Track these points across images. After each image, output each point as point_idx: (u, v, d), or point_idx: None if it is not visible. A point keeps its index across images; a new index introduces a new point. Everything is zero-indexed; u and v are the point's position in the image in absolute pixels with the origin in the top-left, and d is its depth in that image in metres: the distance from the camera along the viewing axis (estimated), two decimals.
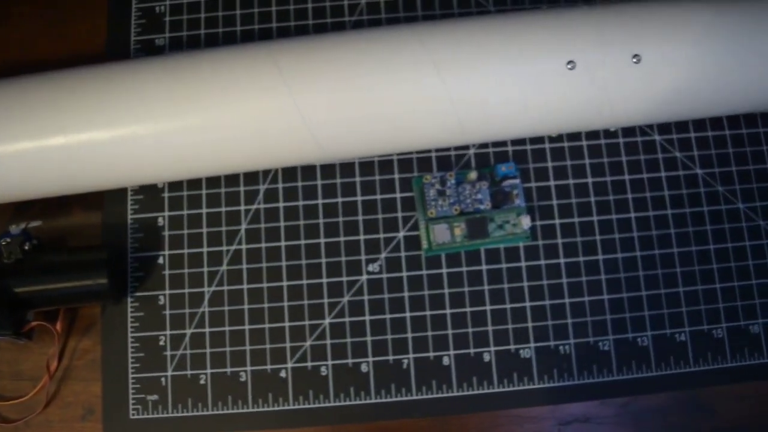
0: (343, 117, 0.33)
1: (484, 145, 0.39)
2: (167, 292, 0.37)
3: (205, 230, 0.38)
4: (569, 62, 0.33)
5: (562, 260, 0.38)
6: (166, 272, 0.38)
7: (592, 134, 0.39)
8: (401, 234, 0.38)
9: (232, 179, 0.38)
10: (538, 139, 0.39)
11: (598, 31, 0.33)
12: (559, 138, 0.39)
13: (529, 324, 0.37)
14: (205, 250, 0.38)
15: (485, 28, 0.33)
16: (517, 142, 0.39)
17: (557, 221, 0.38)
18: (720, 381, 0.37)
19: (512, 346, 0.37)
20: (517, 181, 0.37)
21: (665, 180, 0.39)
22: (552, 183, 0.39)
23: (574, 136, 0.39)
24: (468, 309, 0.37)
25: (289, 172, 0.38)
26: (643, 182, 0.39)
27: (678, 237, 0.38)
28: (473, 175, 0.37)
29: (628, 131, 0.39)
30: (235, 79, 0.33)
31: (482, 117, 0.34)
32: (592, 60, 0.33)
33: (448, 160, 0.39)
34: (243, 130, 0.33)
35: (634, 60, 0.33)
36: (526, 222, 0.36)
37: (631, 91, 0.34)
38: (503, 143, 0.39)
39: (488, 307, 0.37)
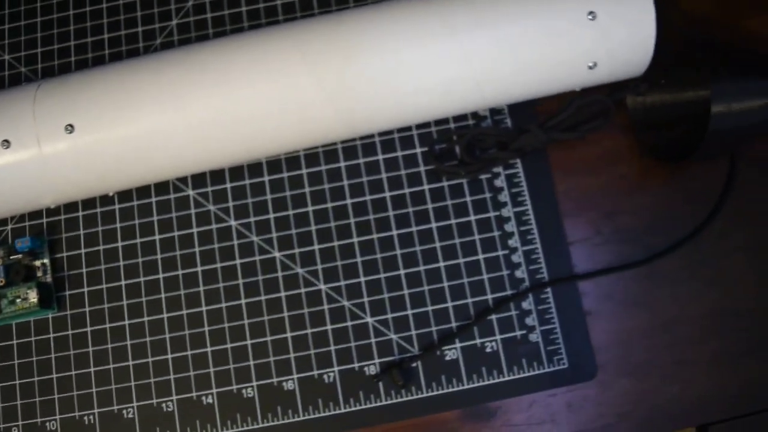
0: None
1: (21, 219, 0.39)
2: None
3: None
4: (3, 141, 0.33)
5: (89, 329, 0.38)
6: None
7: (124, 195, 0.39)
8: None
9: None
10: (71, 206, 0.39)
11: (31, 108, 0.33)
12: (92, 204, 0.39)
13: (75, 393, 0.37)
14: None
15: None
16: (50, 212, 0.39)
17: (86, 289, 0.38)
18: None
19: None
20: (33, 254, 0.38)
21: (197, 236, 0.38)
22: (83, 251, 0.38)
23: (122, 198, 0.39)
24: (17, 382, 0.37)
25: None
26: (174, 241, 0.38)
27: (208, 294, 0.37)
28: None
29: (161, 188, 0.39)
30: None
31: None
32: (26, 136, 0.33)
33: None
34: None
35: (67, 131, 0.33)
36: (33, 295, 0.37)
37: (70, 164, 0.34)
38: (37, 216, 0.39)
39: (36, 379, 0.37)
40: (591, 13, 0.34)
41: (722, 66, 0.34)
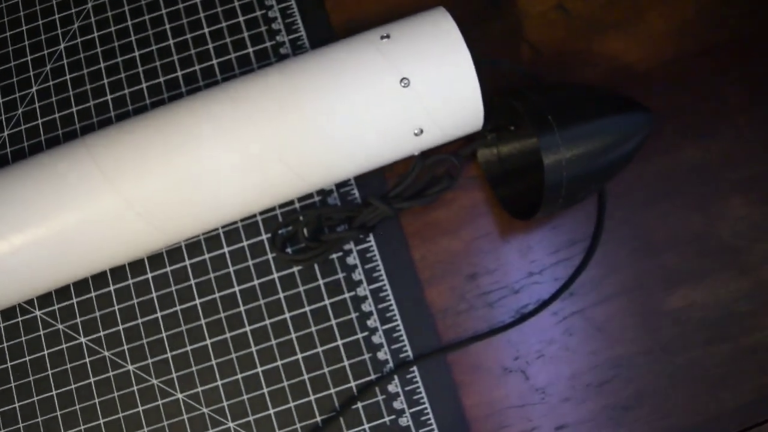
0: None
1: None
2: None
3: None
4: None
5: None
6: None
7: None
8: None
9: None
10: None
11: None
12: None
13: None
14: None
15: None
16: None
17: None
18: None
19: None
20: None
21: (48, 358, 0.37)
22: None
23: None
24: None
25: None
26: (26, 366, 0.37)
27: (65, 418, 0.36)
28: None
29: (7, 313, 0.37)
30: None
31: None
32: None
33: None
34: None
35: None
36: None
37: None
38: None
39: None
40: (404, 79, 0.32)
41: (551, 114, 0.31)
